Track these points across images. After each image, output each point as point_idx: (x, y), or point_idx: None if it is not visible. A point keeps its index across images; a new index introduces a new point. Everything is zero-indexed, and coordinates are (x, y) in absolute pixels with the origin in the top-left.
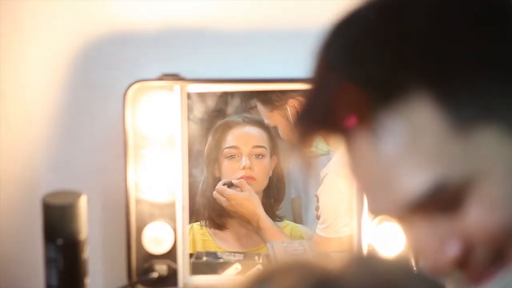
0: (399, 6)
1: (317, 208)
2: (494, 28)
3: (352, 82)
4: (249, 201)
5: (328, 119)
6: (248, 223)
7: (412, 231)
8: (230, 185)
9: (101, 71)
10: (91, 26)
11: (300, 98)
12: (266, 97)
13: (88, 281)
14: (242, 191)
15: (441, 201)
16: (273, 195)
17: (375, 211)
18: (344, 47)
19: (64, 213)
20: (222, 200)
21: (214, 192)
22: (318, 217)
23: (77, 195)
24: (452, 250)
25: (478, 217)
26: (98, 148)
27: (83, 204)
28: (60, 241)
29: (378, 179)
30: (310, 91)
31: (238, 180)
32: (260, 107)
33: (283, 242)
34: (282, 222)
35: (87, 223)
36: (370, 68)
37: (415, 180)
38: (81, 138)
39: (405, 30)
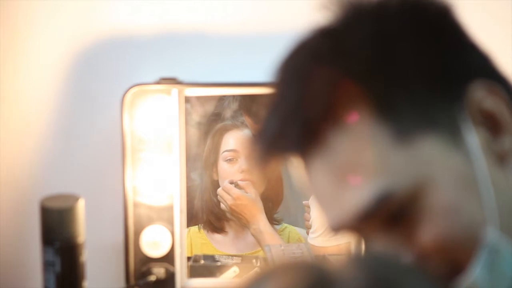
0: (339, 29)
1: (308, 218)
2: (431, 41)
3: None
4: (254, 203)
5: (282, 138)
6: (246, 225)
7: (368, 244)
8: (236, 185)
9: (99, 75)
10: (88, 31)
11: (259, 120)
12: (252, 109)
13: (86, 284)
14: (247, 192)
15: (389, 212)
16: (271, 198)
17: (331, 226)
18: (294, 71)
19: (62, 216)
20: (227, 198)
21: (219, 189)
22: (308, 226)
23: (75, 198)
24: (406, 259)
25: (428, 228)
26: (96, 151)
27: (81, 207)
28: (58, 245)
29: (330, 194)
30: (269, 112)
31: (244, 182)
32: (247, 119)
33: (281, 245)
34: (280, 225)
35: (85, 226)
36: (316, 87)
37: (361, 192)
38: (79, 141)
39: (344, 50)
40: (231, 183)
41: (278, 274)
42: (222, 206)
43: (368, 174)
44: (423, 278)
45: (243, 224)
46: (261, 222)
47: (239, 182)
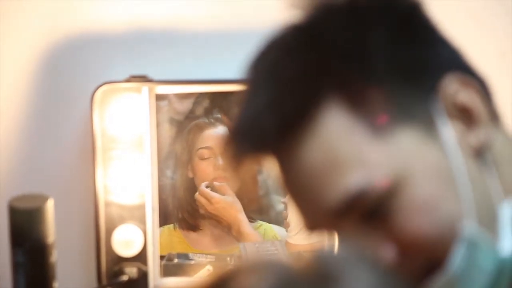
0: (311, 25)
1: (285, 216)
2: (402, 34)
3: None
4: (232, 205)
5: (257, 135)
6: (227, 227)
7: (343, 242)
8: (211, 188)
9: (68, 73)
10: (59, 28)
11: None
12: (227, 106)
13: (57, 285)
14: (223, 194)
15: (366, 207)
16: (246, 196)
17: (308, 225)
18: (267, 67)
19: (31, 217)
20: (204, 203)
21: (196, 194)
22: (287, 225)
23: (44, 198)
24: (387, 253)
25: (405, 222)
26: (66, 150)
27: (50, 207)
28: (27, 246)
29: (305, 191)
30: (243, 108)
31: (220, 184)
32: (223, 117)
33: (255, 243)
34: (256, 222)
35: (56, 226)
36: (289, 86)
37: (338, 187)
38: (49, 140)
39: (317, 44)
40: (207, 186)
41: (242, 273)
42: (201, 211)
43: (344, 169)
44: (381, 276)
45: (224, 227)
46: (241, 223)
47: (215, 184)
